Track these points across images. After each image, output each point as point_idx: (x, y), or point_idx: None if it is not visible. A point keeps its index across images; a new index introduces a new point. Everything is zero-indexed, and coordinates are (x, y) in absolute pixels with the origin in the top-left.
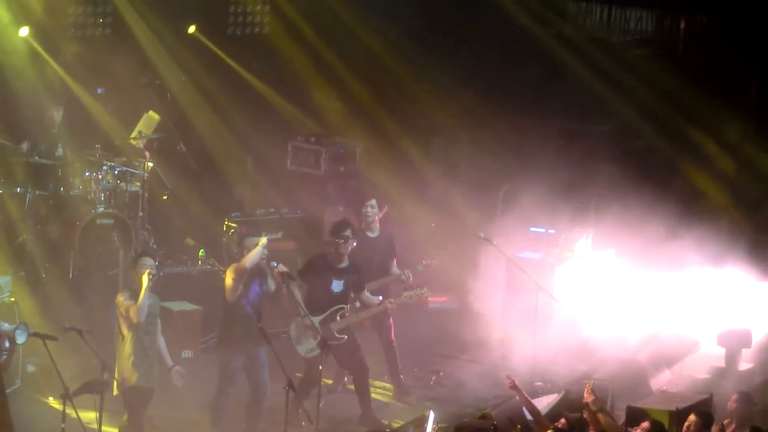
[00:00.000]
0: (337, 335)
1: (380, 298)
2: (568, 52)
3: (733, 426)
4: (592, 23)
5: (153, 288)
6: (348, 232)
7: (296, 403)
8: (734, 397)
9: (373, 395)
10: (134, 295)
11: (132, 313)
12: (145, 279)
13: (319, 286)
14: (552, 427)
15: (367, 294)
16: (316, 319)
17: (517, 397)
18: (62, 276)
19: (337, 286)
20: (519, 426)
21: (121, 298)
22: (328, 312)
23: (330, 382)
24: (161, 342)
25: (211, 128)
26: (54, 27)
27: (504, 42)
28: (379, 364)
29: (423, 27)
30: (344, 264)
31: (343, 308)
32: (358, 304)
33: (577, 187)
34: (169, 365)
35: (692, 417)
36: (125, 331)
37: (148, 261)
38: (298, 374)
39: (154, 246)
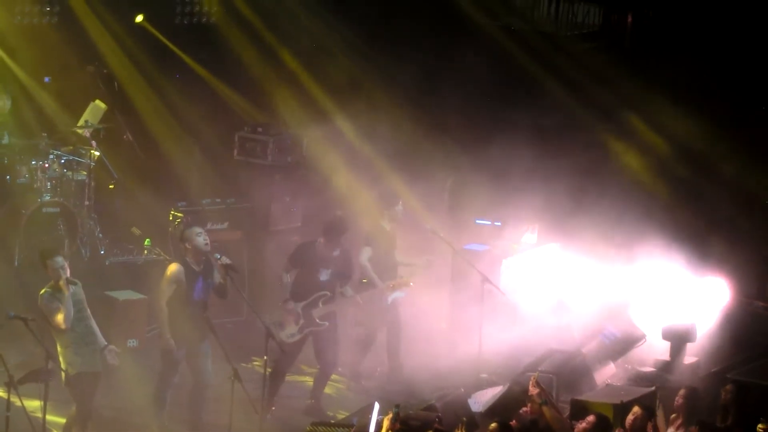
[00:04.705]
0: (318, 321)
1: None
2: (516, 44)
3: (679, 421)
4: (539, 16)
5: (97, 275)
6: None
7: (272, 389)
8: (681, 392)
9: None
10: (57, 292)
11: (59, 322)
12: (63, 286)
13: (307, 273)
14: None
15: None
16: (299, 305)
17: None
18: (7, 264)
19: (324, 274)
20: (464, 419)
21: (45, 302)
22: (312, 298)
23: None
24: (94, 324)
25: (158, 118)
26: (0, 15)
27: (451, 34)
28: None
29: (370, 17)
30: (335, 253)
31: (325, 294)
32: (350, 292)
33: (524, 179)
34: (102, 345)
35: (637, 409)
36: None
37: (59, 261)
38: (244, 364)
39: (100, 235)
